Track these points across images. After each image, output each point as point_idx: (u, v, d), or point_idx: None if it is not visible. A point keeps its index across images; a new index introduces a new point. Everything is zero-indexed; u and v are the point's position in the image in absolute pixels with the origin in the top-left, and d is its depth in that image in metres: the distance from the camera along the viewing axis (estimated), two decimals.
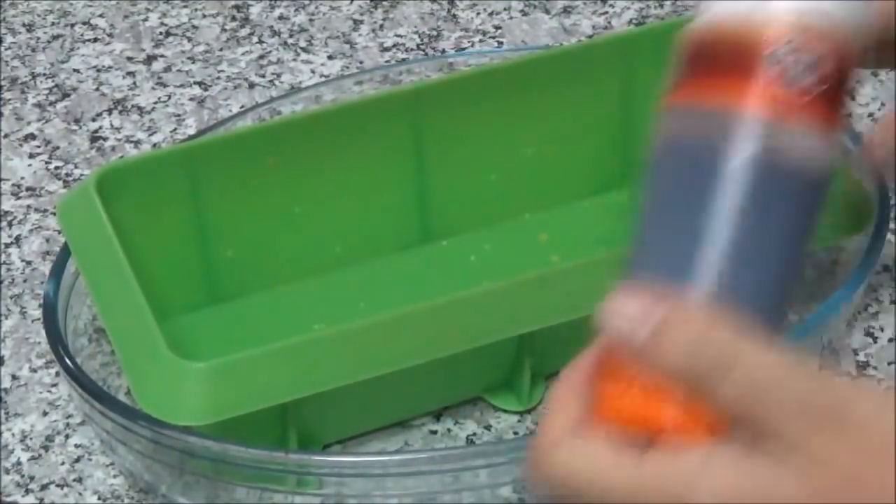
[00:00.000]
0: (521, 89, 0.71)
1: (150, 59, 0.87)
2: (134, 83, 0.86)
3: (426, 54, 0.87)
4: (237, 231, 0.69)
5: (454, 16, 0.90)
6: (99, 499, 0.63)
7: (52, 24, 0.91)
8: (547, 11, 0.90)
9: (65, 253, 0.66)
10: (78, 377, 0.60)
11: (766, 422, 0.40)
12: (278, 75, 0.86)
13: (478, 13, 0.90)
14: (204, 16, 0.91)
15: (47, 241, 0.75)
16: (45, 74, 0.87)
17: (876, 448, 0.40)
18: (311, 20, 0.90)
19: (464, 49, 0.87)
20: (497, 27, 0.89)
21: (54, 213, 0.77)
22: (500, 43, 0.88)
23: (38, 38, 0.90)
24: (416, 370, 0.60)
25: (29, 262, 0.74)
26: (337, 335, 0.59)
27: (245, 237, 0.69)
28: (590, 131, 0.73)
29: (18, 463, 0.64)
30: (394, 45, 0.88)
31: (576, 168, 0.73)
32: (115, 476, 0.64)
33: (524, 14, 0.90)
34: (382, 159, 0.70)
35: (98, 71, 0.87)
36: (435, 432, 0.65)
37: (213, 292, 0.69)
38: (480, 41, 0.88)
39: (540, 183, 0.73)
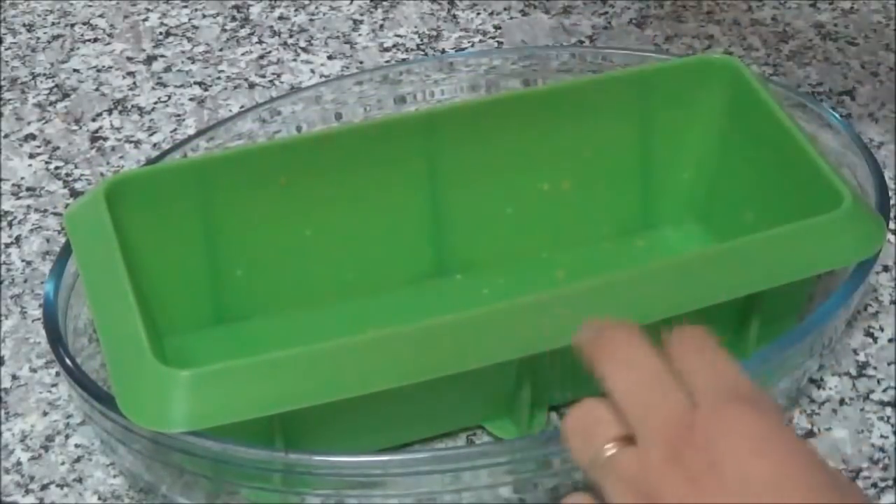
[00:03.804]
0: (536, 121, 0.70)
1: (150, 59, 0.87)
2: (134, 83, 0.86)
3: (426, 54, 0.87)
4: (246, 250, 0.68)
5: (454, 16, 0.90)
6: (99, 499, 0.63)
7: (52, 24, 0.91)
8: (547, 11, 0.90)
9: (65, 253, 0.66)
10: (78, 377, 0.60)
11: None
12: (278, 75, 0.86)
13: (478, 13, 0.90)
14: (204, 16, 0.91)
15: (47, 241, 0.75)
16: (45, 74, 0.87)
17: None
18: (311, 20, 0.90)
19: (464, 49, 0.87)
20: (497, 27, 0.89)
21: (54, 214, 0.77)
22: (500, 43, 0.88)
23: (38, 38, 0.90)
24: (410, 394, 0.58)
25: (29, 262, 0.74)
26: (326, 351, 0.58)
27: (254, 257, 0.68)
28: (608, 172, 0.72)
29: (18, 463, 0.64)
30: (394, 45, 0.88)
31: (594, 209, 0.72)
32: (115, 476, 0.64)
33: (524, 14, 0.90)
34: (396, 186, 0.69)
35: (98, 71, 0.87)
36: None
37: (220, 311, 0.68)
38: (480, 41, 0.88)
39: (558, 221, 0.71)
